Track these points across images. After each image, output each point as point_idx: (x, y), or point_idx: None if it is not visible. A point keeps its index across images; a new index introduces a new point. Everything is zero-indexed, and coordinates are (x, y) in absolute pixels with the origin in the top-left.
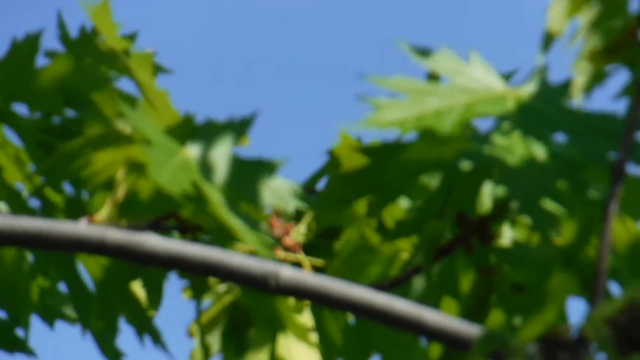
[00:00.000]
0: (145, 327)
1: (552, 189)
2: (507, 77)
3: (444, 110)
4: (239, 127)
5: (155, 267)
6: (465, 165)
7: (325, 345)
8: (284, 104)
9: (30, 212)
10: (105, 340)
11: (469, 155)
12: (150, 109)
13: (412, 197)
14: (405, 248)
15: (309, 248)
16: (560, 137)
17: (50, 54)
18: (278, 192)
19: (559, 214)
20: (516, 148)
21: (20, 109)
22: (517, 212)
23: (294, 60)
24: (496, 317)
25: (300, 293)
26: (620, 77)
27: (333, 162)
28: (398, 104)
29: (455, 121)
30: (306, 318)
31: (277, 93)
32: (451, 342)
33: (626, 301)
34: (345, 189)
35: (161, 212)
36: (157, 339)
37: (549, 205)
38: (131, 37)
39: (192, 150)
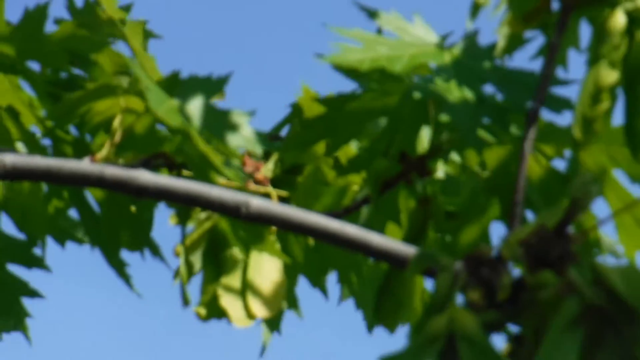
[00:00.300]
0: (145, 242)
1: (484, 123)
2: (444, 38)
3: (394, 56)
4: (216, 83)
5: (146, 198)
6: (416, 94)
7: (290, 264)
8: (257, 61)
9: (43, 151)
10: (111, 254)
11: (418, 88)
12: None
13: (361, 139)
14: (356, 182)
15: (276, 182)
16: (488, 89)
17: (59, 21)
18: (247, 137)
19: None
20: (453, 91)
21: (33, 65)
22: (449, 150)
23: (266, 20)
24: (432, 240)
25: (267, 220)
26: (536, 41)
27: (295, 113)
28: (357, 48)
29: (404, 65)
30: (274, 239)
31: (250, 52)
32: (393, 261)
33: (536, 226)
34: (306, 133)
35: (152, 152)
36: (155, 251)
37: (484, 134)
38: (127, 8)
39: (176, 100)
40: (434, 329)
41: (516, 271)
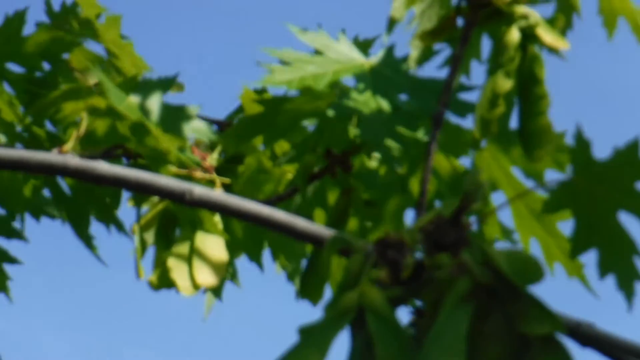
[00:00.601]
0: (111, 219)
1: (394, 132)
2: (367, 47)
3: (319, 74)
4: (167, 82)
5: (105, 186)
6: (331, 113)
7: (230, 240)
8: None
9: (22, 142)
10: (80, 229)
11: (335, 107)
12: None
13: (294, 136)
14: (290, 171)
15: (220, 170)
16: (402, 96)
17: (39, 24)
18: (197, 128)
19: (398, 150)
20: (369, 102)
21: (12, 66)
22: (370, 149)
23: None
24: (353, 224)
25: (207, 205)
26: (444, 53)
27: (242, 106)
28: (285, 68)
29: (327, 82)
30: (217, 219)
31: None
32: (316, 243)
33: (434, 214)
34: (246, 129)
35: (111, 144)
36: (120, 227)
37: (392, 143)
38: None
39: (135, 99)
40: (346, 302)
41: (418, 253)
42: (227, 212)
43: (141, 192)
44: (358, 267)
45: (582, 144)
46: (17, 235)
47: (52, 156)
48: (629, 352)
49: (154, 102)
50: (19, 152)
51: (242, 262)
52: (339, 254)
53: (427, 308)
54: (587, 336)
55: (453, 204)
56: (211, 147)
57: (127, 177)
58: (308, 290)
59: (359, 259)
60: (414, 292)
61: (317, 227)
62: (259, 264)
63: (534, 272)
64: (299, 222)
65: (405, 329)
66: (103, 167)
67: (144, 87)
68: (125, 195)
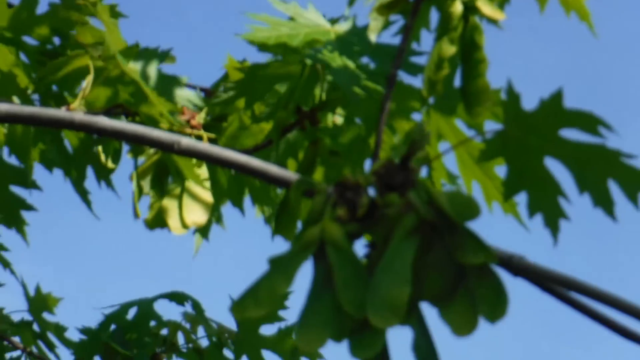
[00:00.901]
0: (103, 176)
1: (360, 82)
2: (331, 21)
3: (293, 34)
4: (163, 54)
5: (105, 137)
6: (307, 60)
7: (216, 188)
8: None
9: (32, 103)
10: (78, 184)
11: (310, 56)
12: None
13: (270, 97)
14: (267, 128)
15: (206, 127)
16: (364, 60)
17: (51, 4)
18: (186, 96)
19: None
20: (337, 59)
21: (27, 39)
22: (334, 107)
23: None
24: (320, 172)
25: (193, 155)
26: (398, 23)
27: (226, 75)
28: (265, 28)
29: (299, 41)
30: (203, 171)
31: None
32: (286, 186)
33: (385, 160)
34: (229, 95)
35: (112, 104)
36: (109, 183)
37: (358, 90)
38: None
39: (136, 65)
40: (309, 236)
41: (372, 193)
42: (210, 160)
43: (136, 142)
44: (320, 206)
45: (512, 97)
46: (33, 185)
47: (60, 112)
48: (554, 281)
49: (152, 70)
50: (32, 109)
51: (227, 208)
52: (304, 196)
53: (379, 242)
54: (518, 267)
55: (402, 151)
56: (200, 109)
57: (124, 130)
58: (281, 228)
59: (321, 199)
60: (368, 228)
61: (288, 172)
62: (241, 209)
63: (472, 210)
64: (272, 169)
65: (361, 260)
66: (104, 121)
67: (143, 56)
68: (125, 149)
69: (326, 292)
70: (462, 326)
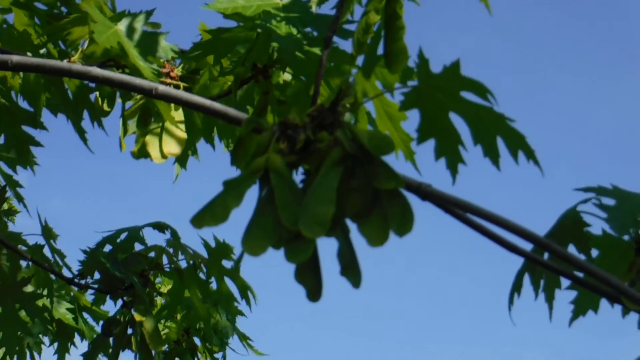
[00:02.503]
0: (97, 118)
1: (301, 47)
2: None
3: (247, 6)
4: (147, 13)
5: (96, 83)
6: (258, 30)
7: (192, 128)
8: None
9: (41, 56)
10: (77, 124)
11: (260, 26)
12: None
13: (233, 56)
14: (230, 80)
15: (183, 79)
16: (307, 29)
17: None
18: (164, 48)
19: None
20: (283, 28)
21: (38, 5)
22: (284, 66)
23: None
24: (270, 117)
25: (168, 99)
26: None
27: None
28: (224, 0)
29: (252, 11)
30: (179, 114)
31: None
32: (241, 124)
33: (318, 105)
34: (199, 51)
35: (105, 59)
36: (100, 123)
37: (299, 55)
38: None
39: (121, 26)
40: (256, 164)
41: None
42: (181, 104)
43: (122, 88)
44: (266, 141)
45: (423, 61)
46: (40, 125)
47: (61, 63)
48: (454, 205)
49: (136, 28)
50: (39, 60)
51: (201, 144)
52: (254, 132)
53: (312, 170)
54: (426, 192)
55: (331, 97)
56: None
57: (112, 78)
58: (237, 160)
59: (267, 135)
60: (304, 159)
61: (243, 114)
62: (212, 145)
63: (386, 146)
64: (231, 111)
65: (297, 185)
66: (96, 70)
67: (129, 17)
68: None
69: (268, 209)
70: (376, 239)
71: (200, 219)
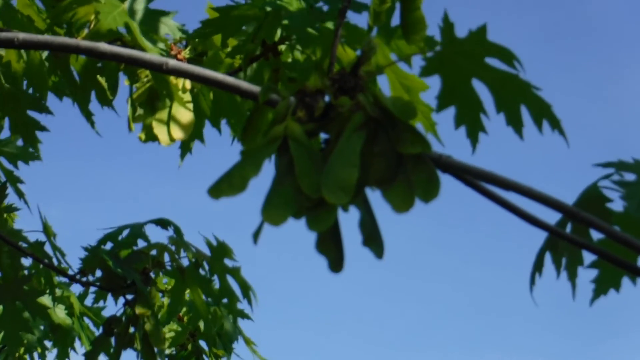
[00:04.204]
0: (105, 101)
1: (312, 24)
2: None
3: None
4: None
5: (104, 59)
6: (267, 7)
7: (198, 112)
8: None
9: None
10: (84, 106)
11: (270, 4)
12: None
13: (240, 34)
14: (238, 61)
15: (190, 61)
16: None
17: None
18: (170, 27)
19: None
20: (293, 3)
21: None
22: (293, 44)
23: None
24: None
25: (179, 73)
26: None
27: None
28: None
29: None
30: (187, 96)
31: None
32: (254, 98)
33: (339, 69)
34: (207, 29)
35: (112, 38)
36: (109, 104)
37: (310, 31)
38: None
39: (127, 4)
40: (275, 133)
41: (327, 98)
42: (193, 78)
43: (131, 64)
44: (284, 109)
45: (447, 25)
46: (46, 110)
47: (69, 40)
48: (475, 175)
49: (140, 7)
50: (45, 37)
51: (207, 128)
52: (269, 104)
53: (333, 137)
54: (447, 164)
55: (353, 61)
56: (185, 46)
57: (121, 53)
58: (247, 139)
59: (285, 104)
60: (324, 127)
61: (256, 87)
62: (219, 129)
63: (410, 110)
64: (243, 84)
65: (317, 153)
66: (104, 46)
67: None
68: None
69: (288, 178)
70: (401, 205)
71: (218, 189)
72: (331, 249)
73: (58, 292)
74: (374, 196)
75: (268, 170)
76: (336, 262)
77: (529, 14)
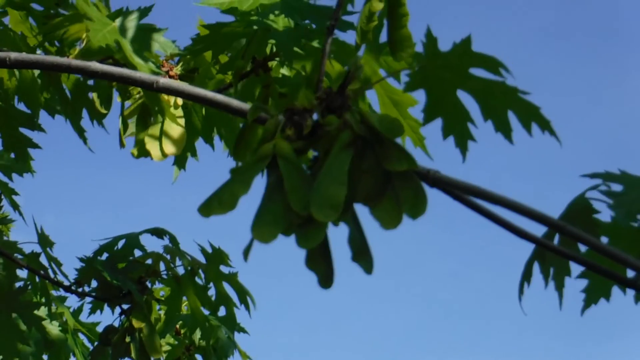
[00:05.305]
0: (96, 117)
1: (299, 42)
2: None
3: (243, 0)
4: (145, 10)
5: (95, 78)
6: (257, 27)
7: (191, 127)
8: None
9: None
10: (75, 123)
11: (257, 23)
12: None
13: (231, 50)
14: (229, 78)
15: (182, 77)
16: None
17: None
18: (162, 43)
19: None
20: (280, 21)
21: (35, 6)
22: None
23: None
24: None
25: (169, 92)
26: None
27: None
28: None
29: (249, 6)
30: (179, 112)
31: None
32: (244, 116)
33: (325, 88)
34: (198, 46)
35: (104, 56)
36: (100, 122)
37: (297, 49)
38: None
39: (117, 22)
40: (264, 151)
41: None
42: (183, 96)
43: (123, 82)
44: (273, 127)
45: (430, 40)
46: (38, 128)
47: (60, 59)
48: (463, 190)
49: (133, 25)
50: (37, 56)
51: (200, 144)
52: (258, 122)
53: (321, 155)
54: (435, 179)
55: (340, 80)
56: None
57: (112, 72)
58: (240, 155)
59: (274, 122)
60: (312, 144)
61: (246, 105)
62: (212, 145)
63: (397, 128)
64: (233, 102)
65: (305, 170)
66: (96, 65)
67: (126, 14)
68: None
69: (277, 195)
70: (389, 221)
71: (208, 208)
72: (321, 265)
73: (52, 308)
74: (364, 212)
75: (261, 186)
76: (326, 278)
77: (543, 9)
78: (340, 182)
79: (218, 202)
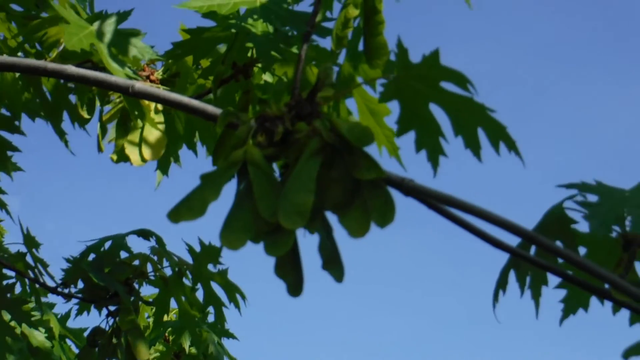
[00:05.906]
0: (78, 120)
1: (277, 47)
2: None
3: (223, 4)
4: (124, 14)
5: (72, 82)
6: (232, 30)
7: (171, 133)
8: None
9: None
10: (56, 125)
11: (235, 27)
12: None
13: (212, 55)
14: (210, 82)
15: (164, 82)
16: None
17: None
18: (140, 48)
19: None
20: (259, 26)
21: (15, 6)
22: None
23: None
24: (250, 113)
25: (145, 96)
26: None
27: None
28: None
29: (228, 10)
30: (159, 117)
31: None
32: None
33: (295, 95)
34: (179, 51)
35: (82, 59)
36: (82, 124)
37: (275, 54)
38: None
39: (95, 26)
40: (234, 157)
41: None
42: (159, 101)
43: (98, 86)
44: (244, 134)
45: (402, 51)
46: (18, 130)
47: (37, 62)
48: (437, 199)
49: (111, 29)
50: (13, 58)
51: (183, 151)
52: (231, 128)
53: (291, 161)
54: (409, 188)
55: (310, 87)
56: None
57: (87, 76)
58: (218, 160)
59: (245, 128)
60: (283, 152)
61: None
62: (194, 151)
63: (367, 137)
64: (209, 108)
65: (276, 178)
66: (72, 68)
67: (105, 17)
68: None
69: (247, 202)
70: (357, 230)
71: (177, 213)
72: (289, 273)
73: (38, 314)
74: (333, 220)
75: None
76: (295, 286)
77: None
78: (308, 190)
79: (187, 208)
